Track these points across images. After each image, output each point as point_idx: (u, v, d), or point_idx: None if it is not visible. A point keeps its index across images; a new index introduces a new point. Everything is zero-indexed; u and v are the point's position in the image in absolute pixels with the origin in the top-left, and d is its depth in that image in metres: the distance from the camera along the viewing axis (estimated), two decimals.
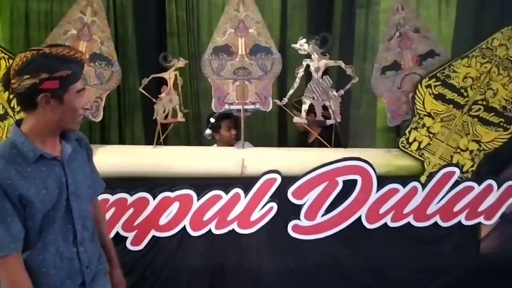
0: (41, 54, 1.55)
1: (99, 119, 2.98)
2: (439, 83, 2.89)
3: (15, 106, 2.68)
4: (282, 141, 4.01)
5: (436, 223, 2.97)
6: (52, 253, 1.66)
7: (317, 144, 3.31)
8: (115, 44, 3.03)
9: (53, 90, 1.55)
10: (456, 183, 2.93)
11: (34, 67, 1.53)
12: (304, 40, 2.94)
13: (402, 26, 2.90)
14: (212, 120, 3.57)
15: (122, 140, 3.85)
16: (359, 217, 2.92)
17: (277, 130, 4.06)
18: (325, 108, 3.04)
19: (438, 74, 2.89)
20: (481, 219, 2.98)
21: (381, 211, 2.92)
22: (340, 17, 3.73)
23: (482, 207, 2.96)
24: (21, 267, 1.59)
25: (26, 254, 1.61)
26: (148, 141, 3.37)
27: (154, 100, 2.97)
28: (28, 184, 1.56)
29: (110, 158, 2.90)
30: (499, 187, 2.95)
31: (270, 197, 2.87)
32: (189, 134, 3.92)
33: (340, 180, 2.88)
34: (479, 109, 2.90)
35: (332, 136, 3.05)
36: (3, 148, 1.59)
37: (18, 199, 1.55)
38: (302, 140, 3.77)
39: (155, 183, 2.87)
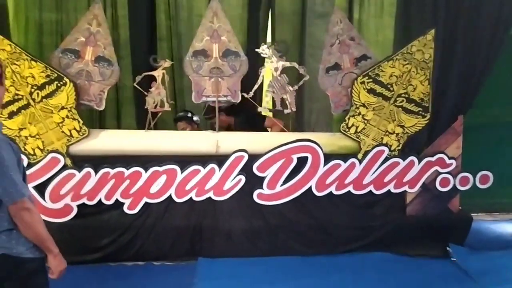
0: None
1: (102, 108, 3.59)
2: (371, 80, 3.53)
3: (36, 97, 3.32)
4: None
5: (370, 191, 3.60)
6: None
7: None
8: (114, 48, 3.60)
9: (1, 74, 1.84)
10: (386, 159, 3.57)
11: None
12: (266, 45, 3.59)
13: (340, 35, 3.56)
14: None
15: (118, 127, 4.38)
16: (310, 187, 3.54)
17: None
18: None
19: (369, 73, 3.53)
20: (406, 188, 3.62)
21: (327, 181, 3.54)
22: (300, 26, 4.38)
23: (406, 178, 3.60)
24: None
25: None
26: (139, 128, 3.90)
27: (145, 93, 3.58)
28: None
29: (111, 140, 3.51)
30: (419, 162, 3.59)
31: (239, 171, 3.46)
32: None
33: (295, 157, 3.50)
34: (403, 100, 3.55)
35: (289, 123, 3.71)
36: None
37: (16, 153, 1.88)
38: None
39: (146, 160, 3.43)
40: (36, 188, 3.35)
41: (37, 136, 3.36)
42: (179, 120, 4.24)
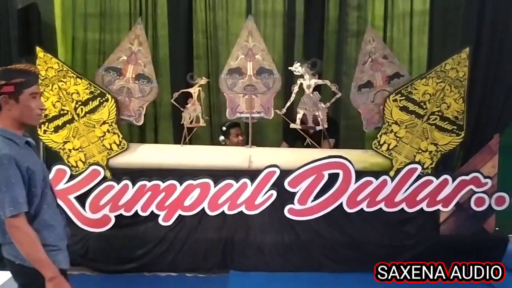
0: (3, 69, 1.92)
1: (140, 123, 3.75)
2: (404, 97, 3.53)
3: (80, 113, 3.51)
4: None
5: (402, 209, 3.57)
6: (51, 213, 2.03)
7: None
8: (153, 66, 3.72)
9: (10, 93, 1.88)
10: (419, 177, 3.54)
11: None
12: (299, 63, 3.64)
13: (373, 53, 3.59)
14: (224, 128, 4.16)
15: (155, 141, 4.50)
16: (341, 203, 3.54)
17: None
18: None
19: (402, 91, 3.53)
20: (439, 206, 3.57)
21: (359, 198, 3.55)
22: (335, 44, 4.43)
23: (440, 197, 3.55)
24: (27, 223, 1.88)
25: (38, 213, 1.95)
26: (176, 142, 4.02)
27: (182, 109, 3.70)
28: (27, 160, 1.91)
29: (148, 154, 3.65)
30: (453, 181, 3.54)
31: (271, 186, 3.52)
32: (210, 136, 4.53)
33: (326, 173, 3.53)
34: (436, 118, 3.53)
35: (321, 139, 3.74)
36: None
37: (26, 170, 1.88)
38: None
39: (181, 173, 3.54)
40: (77, 198, 3.52)
41: (79, 149, 3.54)
42: (233, 127, 4.12)
